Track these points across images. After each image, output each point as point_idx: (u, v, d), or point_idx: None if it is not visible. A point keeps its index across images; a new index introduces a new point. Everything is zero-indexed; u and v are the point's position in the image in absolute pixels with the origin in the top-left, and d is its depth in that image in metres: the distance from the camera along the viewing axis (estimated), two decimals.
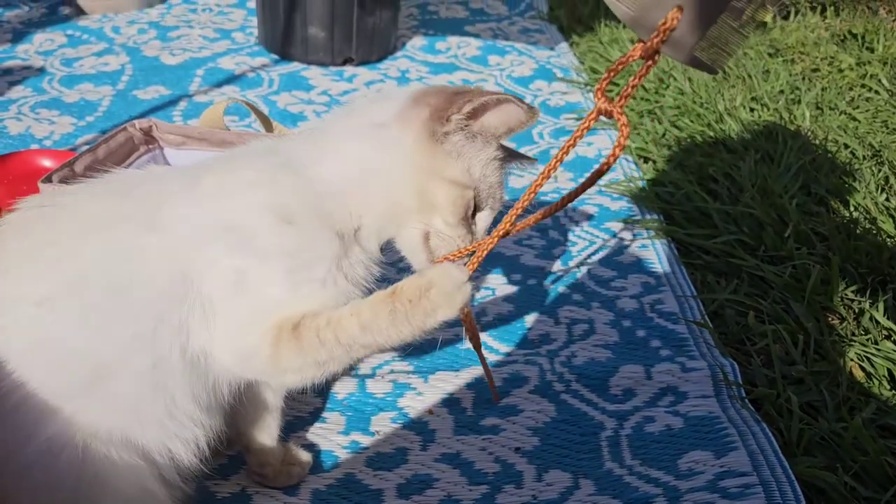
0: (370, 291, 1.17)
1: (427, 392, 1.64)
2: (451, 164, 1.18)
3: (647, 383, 1.66)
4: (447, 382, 1.66)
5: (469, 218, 1.23)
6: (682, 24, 0.91)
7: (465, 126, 1.18)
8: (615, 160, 1.06)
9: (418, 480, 1.47)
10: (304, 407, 1.58)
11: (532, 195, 1.13)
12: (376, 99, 1.24)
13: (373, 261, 1.22)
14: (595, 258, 2.02)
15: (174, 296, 1.08)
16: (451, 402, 1.62)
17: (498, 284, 1.92)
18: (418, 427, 1.57)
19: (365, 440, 1.54)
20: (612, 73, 1.01)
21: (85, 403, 1.07)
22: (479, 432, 1.56)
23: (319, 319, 1.07)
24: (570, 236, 2.10)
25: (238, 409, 1.32)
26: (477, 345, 1.44)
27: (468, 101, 1.17)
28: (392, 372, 1.68)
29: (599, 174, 1.09)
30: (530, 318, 1.83)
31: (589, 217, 2.17)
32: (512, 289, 1.90)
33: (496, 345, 1.76)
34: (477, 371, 1.68)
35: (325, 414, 1.58)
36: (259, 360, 1.10)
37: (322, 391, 1.62)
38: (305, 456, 1.47)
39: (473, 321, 1.39)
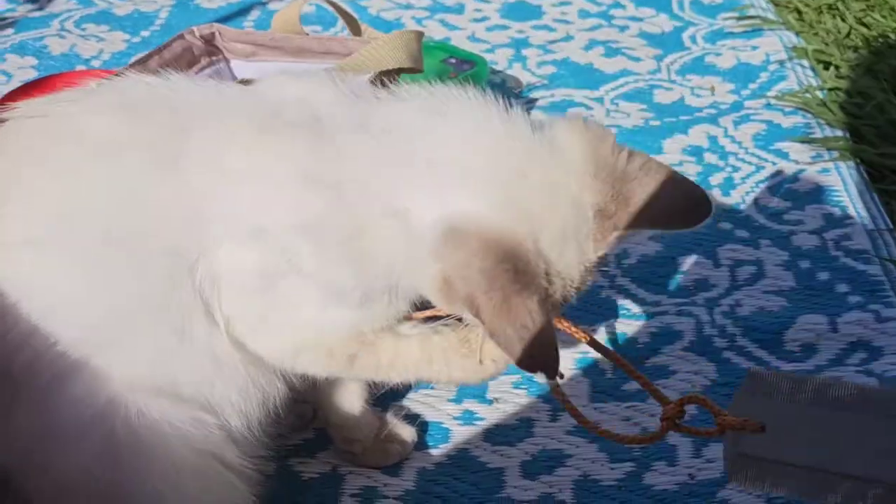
0: None
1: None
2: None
3: (831, 337, 1.51)
4: None
5: None
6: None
7: None
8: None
9: (546, 457, 1.35)
10: None
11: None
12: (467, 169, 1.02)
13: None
14: (763, 186, 1.84)
15: (188, 258, 1.01)
16: (586, 363, 1.49)
17: None
18: (547, 394, 1.44)
19: (481, 410, 1.42)
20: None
21: (110, 355, 1.02)
22: (621, 399, 1.43)
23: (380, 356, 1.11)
24: (732, 160, 1.92)
25: None
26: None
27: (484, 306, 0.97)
28: None
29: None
30: (683, 260, 1.67)
31: (755, 136, 1.98)
32: None
33: (641, 293, 1.61)
34: (620, 326, 1.55)
35: None
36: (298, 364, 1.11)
37: None
38: (407, 432, 1.36)
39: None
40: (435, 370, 1.11)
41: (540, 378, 1.12)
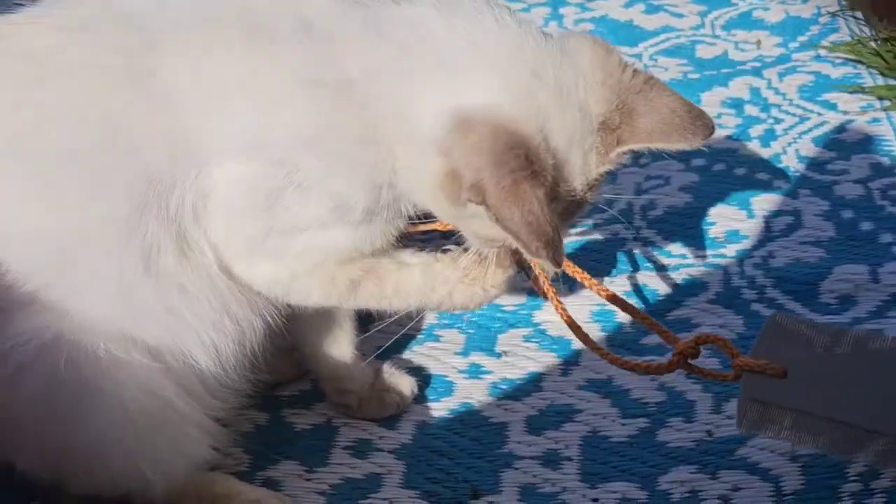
0: None
1: (570, 303, 1.36)
2: (474, 222, 1.01)
3: (872, 288, 1.41)
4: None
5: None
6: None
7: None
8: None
9: (555, 412, 1.27)
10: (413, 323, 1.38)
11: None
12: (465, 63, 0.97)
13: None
14: (808, 136, 1.72)
15: (163, 180, 0.95)
16: (603, 316, 1.40)
17: (673, 171, 1.64)
18: (559, 347, 1.36)
19: (488, 363, 1.34)
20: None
21: (64, 292, 0.96)
22: (639, 353, 1.34)
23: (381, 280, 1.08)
24: (775, 112, 1.80)
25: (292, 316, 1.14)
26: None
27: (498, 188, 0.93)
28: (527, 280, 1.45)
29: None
30: (714, 211, 1.57)
31: (801, 87, 1.86)
32: (691, 177, 1.63)
33: (668, 245, 1.51)
34: (642, 279, 1.46)
35: (439, 331, 1.39)
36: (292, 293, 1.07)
37: None
38: (406, 384, 1.28)
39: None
40: (437, 297, 1.09)
41: (545, 267, 1.06)
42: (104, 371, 0.97)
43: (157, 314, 0.99)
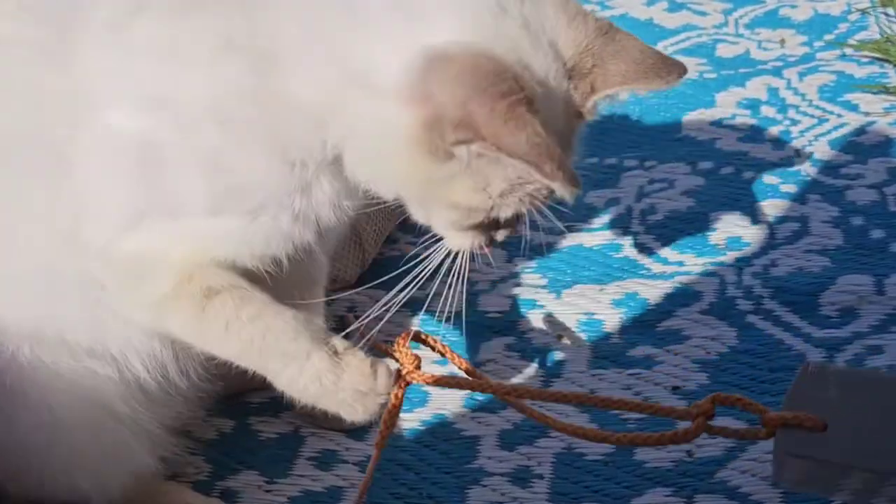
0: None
1: (559, 311, 1.37)
2: (456, 184, 0.87)
3: (876, 300, 1.33)
4: (588, 299, 1.38)
5: (486, 226, 0.94)
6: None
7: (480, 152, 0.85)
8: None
9: (530, 426, 1.20)
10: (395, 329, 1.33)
11: None
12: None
13: (347, 195, 0.94)
14: (824, 139, 1.64)
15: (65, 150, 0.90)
16: (590, 326, 1.34)
17: (678, 175, 1.57)
18: (541, 357, 1.30)
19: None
20: None
21: None
22: (624, 365, 1.27)
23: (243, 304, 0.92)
24: (792, 113, 1.72)
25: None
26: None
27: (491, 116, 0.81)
28: (517, 286, 1.40)
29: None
30: (717, 217, 1.50)
31: (822, 88, 1.78)
32: (697, 180, 1.57)
33: (665, 251, 1.45)
34: (633, 286, 1.38)
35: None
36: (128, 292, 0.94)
37: (415, 305, 1.36)
38: None
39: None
40: (296, 366, 0.91)
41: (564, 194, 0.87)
42: (27, 373, 0.94)
43: (79, 313, 0.95)
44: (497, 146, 0.81)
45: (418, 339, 0.99)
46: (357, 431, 1.21)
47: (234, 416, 1.24)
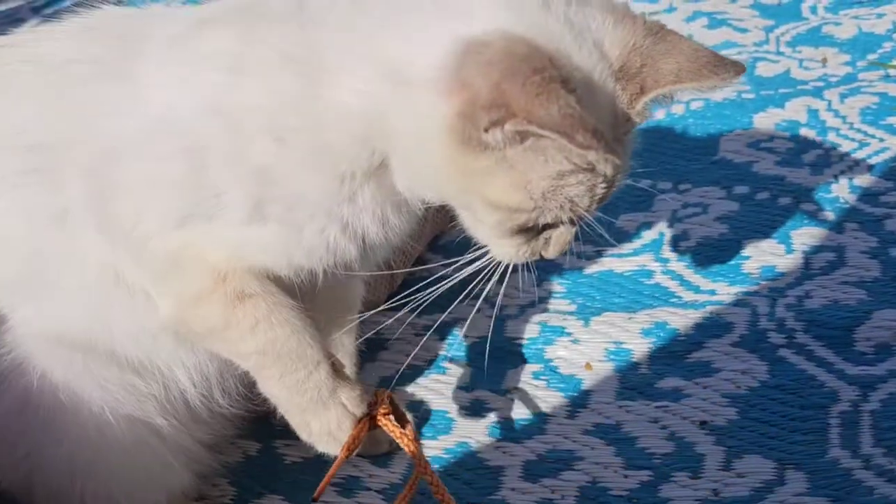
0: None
1: (587, 340, 1.35)
2: (495, 180, 0.86)
3: None
4: (617, 328, 1.36)
5: (530, 231, 0.93)
6: None
7: (520, 139, 0.84)
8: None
9: (555, 458, 1.19)
10: (423, 353, 1.32)
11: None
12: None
13: (393, 209, 0.94)
14: (864, 164, 1.61)
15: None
16: (618, 355, 1.32)
17: (713, 200, 1.55)
18: (568, 386, 1.29)
19: (493, 400, 1.28)
20: None
21: (37, 301, 0.96)
22: (652, 397, 1.26)
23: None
24: (832, 136, 1.68)
25: None
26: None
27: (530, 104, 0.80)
28: (545, 312, 1.39)
29: None
30: (751, 245, 1.47)
31: (863, 110, 1.74)
32: (732, 205, 1.54)
33: (697, 279, 1.42)
34: (663, 315, 1.36)
35: (446, 363, 1.34)
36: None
37: (444, 333, 1.35)
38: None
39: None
40: (305, 372, 0.96)
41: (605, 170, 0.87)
42: (77, 391, 0.96)
43: (130, 327, 0.96)
44: (528, 120, 0.79)
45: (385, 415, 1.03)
46: (381, 458, 1.21)
47: (260, 439, 1.24)
